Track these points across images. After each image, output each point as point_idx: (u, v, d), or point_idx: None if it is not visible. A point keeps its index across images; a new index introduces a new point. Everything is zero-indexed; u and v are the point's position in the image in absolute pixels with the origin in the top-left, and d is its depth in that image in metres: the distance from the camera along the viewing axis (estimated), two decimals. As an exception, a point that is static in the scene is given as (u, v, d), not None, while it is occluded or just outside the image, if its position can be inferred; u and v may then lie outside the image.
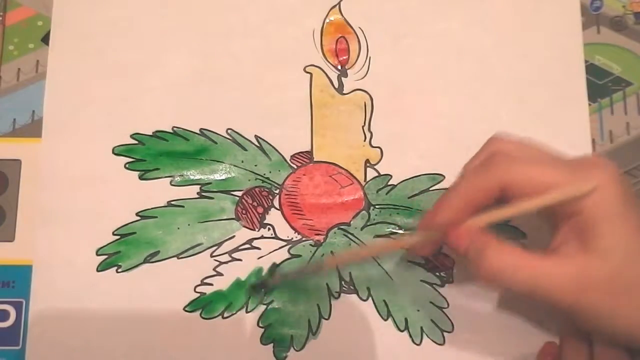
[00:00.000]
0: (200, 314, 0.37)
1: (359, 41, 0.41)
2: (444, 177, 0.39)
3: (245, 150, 0.39)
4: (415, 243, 0.33)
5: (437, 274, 0.38)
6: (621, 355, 0.32)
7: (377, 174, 0.39)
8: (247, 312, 0.37)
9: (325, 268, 0.36)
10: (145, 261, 0.37)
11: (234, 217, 0.38)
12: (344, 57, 0.41)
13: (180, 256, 0.37)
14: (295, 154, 0.39)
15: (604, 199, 0.29)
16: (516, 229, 0.38)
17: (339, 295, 0.37)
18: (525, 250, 0.30)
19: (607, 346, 0.32)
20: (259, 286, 0.37)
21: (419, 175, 0.39)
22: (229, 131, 0.39)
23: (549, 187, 0.29)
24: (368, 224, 0.38)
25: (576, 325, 0.32)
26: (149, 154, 0.39)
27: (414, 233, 0.33)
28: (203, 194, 0.38)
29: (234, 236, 0.38)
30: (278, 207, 0.38)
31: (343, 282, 0.37)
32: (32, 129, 0.39)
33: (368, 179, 0.39)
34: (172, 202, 0.38)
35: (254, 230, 0.38)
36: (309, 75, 0.40)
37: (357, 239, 0.38)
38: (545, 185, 0.29)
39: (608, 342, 0.32)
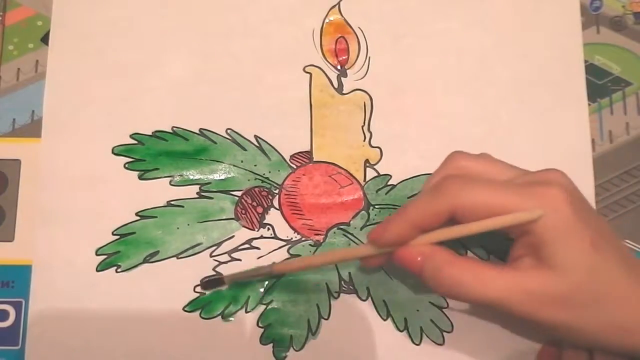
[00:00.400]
0: (200, 314, 0.37)
1: (358, 41, 0.41)
2: (444, 177, 0.39)
3: (245, 150, 0.39)
4: (365, 256, 0.33)
5: (437, 274, 0.38)
6: None
7: (376, 174, 0.39)
8: (246, 312, 0.37)
9: (274, 273, 0.35)
10: (145, 261, 0.37)
11: (234, 217, 0.38)
12: (344, 57, 0.41)
13: (180, 256, 0.37)
14: (295, 154, 0.39)
15: (554, 221, 0.29)
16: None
17: (339, 295, 0.37)
18: (483, 264, 0.31)
19: (606, 353, 0.32)
20: (212, 283, 0.37)
21: (419, 175, 0.39)
22: (228, 131, 0.39)
23: (496, 212, 0.30)
24: (367, 224, 0.38)
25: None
26: (148, 154, 0.39)
27: (366, 245, 0.33)
28: (202, 194, 0.38)
29: (233, 236, 0.38)
30: (277, 207, 0.38)
31: (342, 282, 0.37)
32: (32, 129, 0.39)
33: (368, 179, 0.39)
34: (172, 202, 0.38)
35: (254, 230, 0.38)
36: (308, 75, 0.40)
37: (357, 238, 0.38)
38: (492, 210, 0.30)
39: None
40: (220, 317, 0.37)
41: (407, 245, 0.32)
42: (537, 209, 0.29)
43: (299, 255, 0.38)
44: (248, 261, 0.37)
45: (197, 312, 0.37)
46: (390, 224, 0.32)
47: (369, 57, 0.41)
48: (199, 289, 0.37)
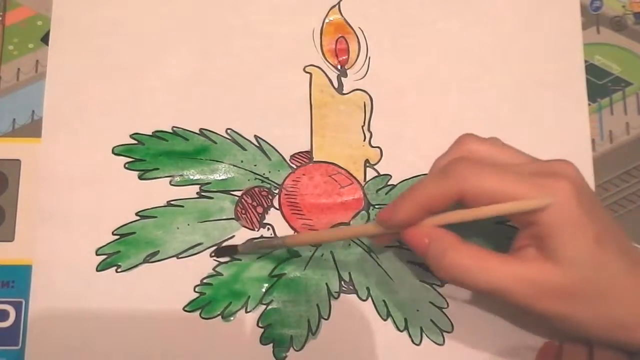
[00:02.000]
0: (200, 314, 0.37)
1: (358, 41, 0.41)
2: (444, 177, 0.39)
3: (245, 150, 0.39)
4: (373, 234, 0.34)
5: (437, 274, 0.38)
6: (619, 357, 0.32)
7: (376, 174, 0.39)
8: (246, 312, 0.37)
9: (286, 245, 0.36)
10: (145, 261, 0.37)
11: (234, 217, 0.38)
12: (344, 57, 0.41)
13: (180, 256, 0.37)
14: (295, 153, 0.39)
15: (561, 212, 0.29)
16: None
17: (339, 296, 0.37)
18: (486, 252, 0.31)
19: (606, 349, 0.32)
20: (225, 251, 0.37)
21: (419, 175, 0.39)
22: (228, 131, 0.39)
23: (505, 198, 0.30)
24: (368, 223, 0.38)
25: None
26: (148, 153, 0.39)
27: (375, 224, 0.33)
28: (203, 193, 0.38)
29: (233, 236, 0.38)
30: (277, 207, 0.38)
31: (343, 282, 0.37)
32: (32, 129, 0.39)
33: (368, 178, 0.39)
34: (172, 202, 0.38)
35: (254, 230, 0.38)
36: (308, 75, 0.40)
37: (357, 238, 0.38)
38: (500, 197, 0.30)
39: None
40: (220, 317, 0.37)
41: (415, 226, 0.32)
42: (546, 197, 0.29)
43: (299, 255, 0.38)
44: (248, 261, 0.37)
45: (197, 312, 0.37)
46: (399, 206, 0.31)
47: (369, 57, 0.41)
48: (199, 288, 0.37)
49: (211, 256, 0.37)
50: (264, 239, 0.37)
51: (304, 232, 0.38)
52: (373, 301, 0.37)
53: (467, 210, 0.31)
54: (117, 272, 0.37)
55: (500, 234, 0.37)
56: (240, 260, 0.37)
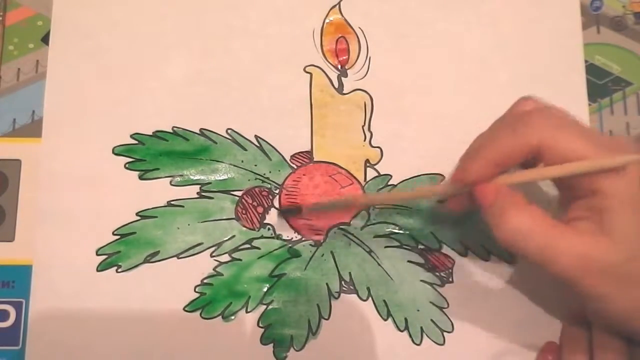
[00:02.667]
0: (200, 314, 0.37)
1: (359, 41, 0.41)
2: (444, 177, 0.39)
3: (245, 150, 0.39)
4: (445, 194, 0.33)
5: (437, 274, 0.38)
6: (619, 344, 0.32)
7: (377, 174, 0.39)
8: (247, 312, 0.37)
9: (356, 205, 0.35)
10: (145, 261, 0.37)
11: (234, 217, 0.38)
12: (344, 57, 0.41)
13: (180, 256, 0.37)
14: (295, 153, 0.39)
15: (624, 184, 0.28)
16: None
17: (339, 295, 0.37)
18: (545, 217, 0.30)
19: (606, 335, 0.32)
20: (289, 211, 0.37)
21: (419, 175, 0.39)
22: (228, 131, 0.39)
23: (579, 157, 0.29)
24: (368, 224, 0.38)
25: (580, 303, 0.32)
26: (149, 153, 0.39)
27: (446, 184, 0.33)
28: (203, 194, 0.38)
29: (233, 236, 0.38)
30: (278, 207, 0.38)
31: (343, 282, 0.37)
32: (32, 129, 0.39)
33: (368, 178, 0.39)
34: (172, 202, 0.38)
35: (254, 230, 0.38)
36: (308, 75, 0.40)
37: (357, 238, 0.38)
38: (575, 154, 0.29)
39: (605, 328, 0.32)
40: (220, 317, 0.37)
41: (486, 183, 0.30)
42: (627, 156, 0.28)
43: (299, 255, 0.38)
44: (249, 261, 0.37)
45: (198, 312, 0.37)
46: (470, 164, 0.31)
47: (369, 57, 0.41)
48: (199, 288, 0.37)
49: (278, 215, 0.38)
50: (331, 201, 0.37)
51: (377, 193, 0.37)
52: (373, 301, 0.37)
53: (543, 169, 0.30)
54: (117, 272, 0.37)
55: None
56: (241, 260, 0.37)
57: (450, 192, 0.33)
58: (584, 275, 0.29)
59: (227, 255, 0.38)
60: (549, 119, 0.30)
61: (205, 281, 0.37)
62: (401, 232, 0.38)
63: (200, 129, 0.39)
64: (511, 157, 0.30)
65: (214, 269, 0.37)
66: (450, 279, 0.38)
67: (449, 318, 0.37)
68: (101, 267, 0.37)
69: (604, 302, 0.29)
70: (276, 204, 0.38)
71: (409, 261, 0.38)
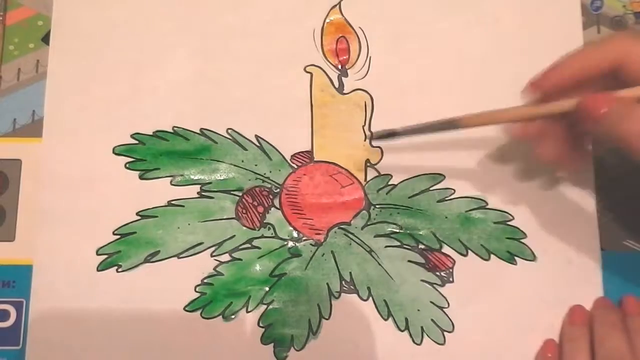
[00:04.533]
0: (201, 314, 0.37)
1: (359, 41, 0.41)
2: (444, 177, 0.39)
3: (246, 150, 0.39)
4: (548, 112, 0.33)
5: (437, 274, 0.38)
6: None
7: (377, 174, 0.39)
8: (247, 312, 0.37)
9: (460, 126, 0.35)
10: (146, 261, 0.37)
11: (234, 216, 0.38)
12: (344, 57, 0.41)
13: (181, 256, 0.37)
14: (296, 153, 0.39)
15: None
16: (516, 228, 0.38)
17: (340, 295, 0.37)
18: None
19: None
20: (385, 134, 0.37)
21: (419, 175, 0.39)
22: (229, 131, 0.39)
23: None
24: (368, 223, 0.38)
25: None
26: (149, 153, 0.39)
27: (543, 104, 0.33)
28: (203, 193, 0.38)
29: (234, 236, 0.38)
30: (278, 207, 0.38)
31: (343, 282, 0.37)
32: (33, 128, 0.39)
33: (368, 178, 0.39)
34: (173, 202, 0.38)
35: (254, 229, 0.38)
36: (309, 75, 0.40)
37: (358, 238, 0.38)
38: None
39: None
40: (221, 317, 0.37)
41: (593, 95, 0.31)
42: None
43: (299, 255, 0.38)
44: (249, 261, 0.37)
45: (198, 312, 0.37)
46: (550, 72, 0.32)
47: (370, 57, 0.41)
48: (199, 288, 0.37)
49: (371, 138, 0.38)
50: (428, 123, 0.36)
51: (481, 113, 0.36)
52: (374, 301, 0.37)
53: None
54: (117, 272, 0.37)
55: (502, 242, 0.37)
56: (241, 259, 0.37)
57: (552, 111, 0.33)
58: None
59: (227, 254, 0.38)
60: (632, 36, 0.31)
61: (205, 281, 0.37)
62: (401, 232, 0.38)
63: (201, 129, 0.39)
64: (590, 70, 0.31)
65: (214, 269, 0.37)
66: (451, 279, 0.38)
67: (449, 318, 0.37)
68: (101, 267, 0.37)
69: None
70: (277, 203, 0.38)
71: (409, 261, 0.38)
